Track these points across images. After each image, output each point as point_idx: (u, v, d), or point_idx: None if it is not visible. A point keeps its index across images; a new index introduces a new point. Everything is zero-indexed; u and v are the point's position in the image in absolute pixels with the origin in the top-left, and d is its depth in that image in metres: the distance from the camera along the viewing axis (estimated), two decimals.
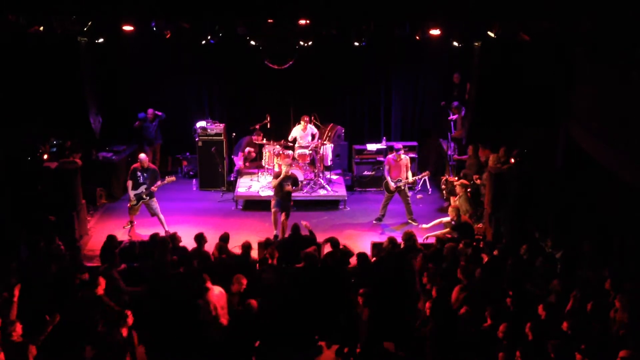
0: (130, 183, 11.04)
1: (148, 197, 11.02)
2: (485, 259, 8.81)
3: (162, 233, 10.43)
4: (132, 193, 11.02)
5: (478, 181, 11.89)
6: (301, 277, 8.49)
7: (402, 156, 11.83)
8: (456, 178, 12.20)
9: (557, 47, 10.91)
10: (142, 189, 10.98)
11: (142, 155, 11.28)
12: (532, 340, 6.71)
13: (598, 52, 10.05)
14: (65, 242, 9.33)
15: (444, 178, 13.56)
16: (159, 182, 11.08)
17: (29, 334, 6.86)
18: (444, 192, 12.83)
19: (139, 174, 10.99)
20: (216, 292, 7.85)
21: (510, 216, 10.57)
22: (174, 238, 9.24)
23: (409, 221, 11.91)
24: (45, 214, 10.34)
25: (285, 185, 10.93)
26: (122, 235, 11.02)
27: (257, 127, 13.35)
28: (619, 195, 9.24)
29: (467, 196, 11.29)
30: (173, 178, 11.37)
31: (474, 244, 9.47)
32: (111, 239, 9.22)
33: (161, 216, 11.17)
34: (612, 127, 9.63)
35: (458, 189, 11.32)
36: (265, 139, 13.31)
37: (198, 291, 7.83)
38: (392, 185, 11.74)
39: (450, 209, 10.69)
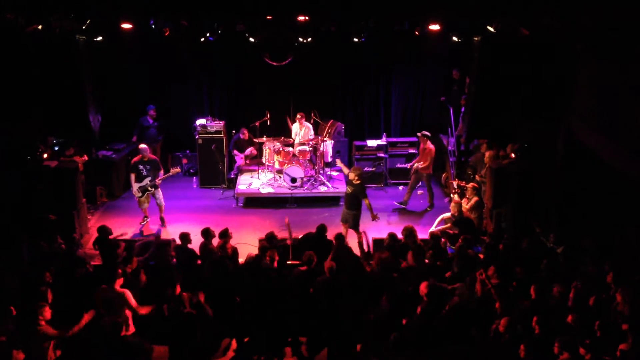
0: (133, 176, 11.07)
1: (153, 189, 11.06)
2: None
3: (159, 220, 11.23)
4: (136, 186, 11.05)
5: (478, 178, 11.85)
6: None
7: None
8: (464, 182, 12.08)
9: (557, 42, 10.88)
10: (147, 181, 11.01)
11: (143, 146, 11.24)
12: (537, 334, 6.72)
13: (598, 47, 10.02)
14: (66, 240, 9.36)
15: (445, 175, 13.52)
16: (161, 174, 11.16)
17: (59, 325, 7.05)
18: (453, 192, 12.39)
19: (141, 167, 11.02)
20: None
21: (511, 211, 10.55)
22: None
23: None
24: (46, 213, 10.33)
25: None
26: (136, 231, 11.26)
27: (257, 124, 13.33)
28: (619, 189, 9.23)
29: (478, 200, 10.93)
30: (178, 169, 11.48)
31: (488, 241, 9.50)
32: (102, 229, 9.36)
33: (163, 205, 11.36)
34: (613, 121, 9.61)
35: (469, 193, 10.99)
36: (265, 136, 13.28)
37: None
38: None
39: (452, 204, 10.66)
